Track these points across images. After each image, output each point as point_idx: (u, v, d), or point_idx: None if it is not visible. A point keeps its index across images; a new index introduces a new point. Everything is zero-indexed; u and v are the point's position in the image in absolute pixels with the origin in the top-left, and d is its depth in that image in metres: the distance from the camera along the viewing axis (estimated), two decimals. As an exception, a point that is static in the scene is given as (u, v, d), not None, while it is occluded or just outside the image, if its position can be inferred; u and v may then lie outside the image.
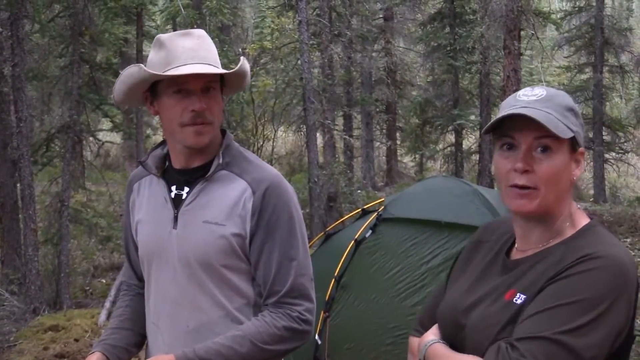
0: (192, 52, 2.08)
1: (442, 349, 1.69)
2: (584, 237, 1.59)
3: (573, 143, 1.62)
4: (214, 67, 2.09)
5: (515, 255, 1.68)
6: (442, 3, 17.10)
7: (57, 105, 12.59)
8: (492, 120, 1.64)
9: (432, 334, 1.75)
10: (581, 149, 1.64)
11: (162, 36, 2.14)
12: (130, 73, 2.10)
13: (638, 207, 14.30)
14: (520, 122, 1.59)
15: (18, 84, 8.07)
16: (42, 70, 10.61)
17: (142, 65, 2.08)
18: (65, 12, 9.62)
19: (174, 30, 13.67)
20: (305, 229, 2.19)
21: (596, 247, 1.54)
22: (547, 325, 1.47)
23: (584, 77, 16.50)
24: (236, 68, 2.15)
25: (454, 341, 1.67)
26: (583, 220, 1.64)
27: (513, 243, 1.72)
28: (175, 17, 11.95)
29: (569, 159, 1.62)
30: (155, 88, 2.11)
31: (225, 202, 2.09)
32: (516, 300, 1.57)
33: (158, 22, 14.75)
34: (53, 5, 9.90)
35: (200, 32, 2.16)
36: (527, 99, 1.63)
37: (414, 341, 1.83)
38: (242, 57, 2.21)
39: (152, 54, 2.13)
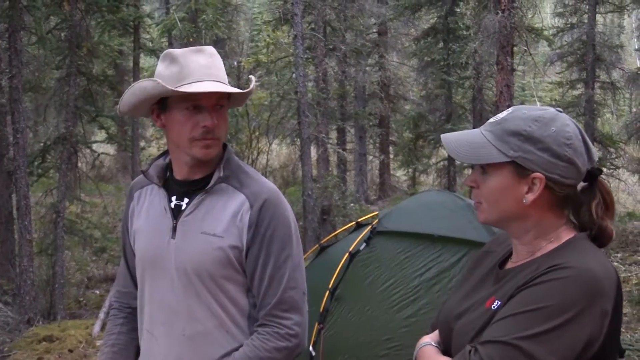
0: (205, 70, 2.11)
1: (428, 350, 1.76)
2: (564, 249, 1.63)
3: (519, 167, 1.62)
4: (226, 85, 2.14)
5: (508, 266, 1.74)
6: (435, 18, 17.20)
7: (52, 117, 12.60)
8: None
9: (428, 337, 1.81)
10: (536, 175, 1.62)
11: (174, 51, 2.16)
12: (144, 87, 2.11)
13: (629, 223, 14.38)
14: None
15: (15, 95, 8.09)
16: (39, 81, 10.64)
17: (158, 80, 2.09)
18: (62, 25, 9.65)
19: (170, 43, 13.74)
20: (300, 243, 2.22)
21: (569, 258, 1.57)
22: (509, 330, 1.51)
23: (575, 93, 16.58)
24: (250, 88, 2.21)
25: (448, 345, 1.74)
26: (568, 235, 1.68)
27: (510, 255, 1.78)
28: (171, 30, 11.98)
29: (514, 182, 1.64)
30: (165, 101, 2.13)
31: (224, 215, 2.12)
32: (493, 306, 1.62)
33: (154, 35, 14.78)
34: (50, 17, 9.93)
35: (212, 50, 2.19)
36: (492, 119, 1.71)
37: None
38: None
39: (162, 68, 2.14)
